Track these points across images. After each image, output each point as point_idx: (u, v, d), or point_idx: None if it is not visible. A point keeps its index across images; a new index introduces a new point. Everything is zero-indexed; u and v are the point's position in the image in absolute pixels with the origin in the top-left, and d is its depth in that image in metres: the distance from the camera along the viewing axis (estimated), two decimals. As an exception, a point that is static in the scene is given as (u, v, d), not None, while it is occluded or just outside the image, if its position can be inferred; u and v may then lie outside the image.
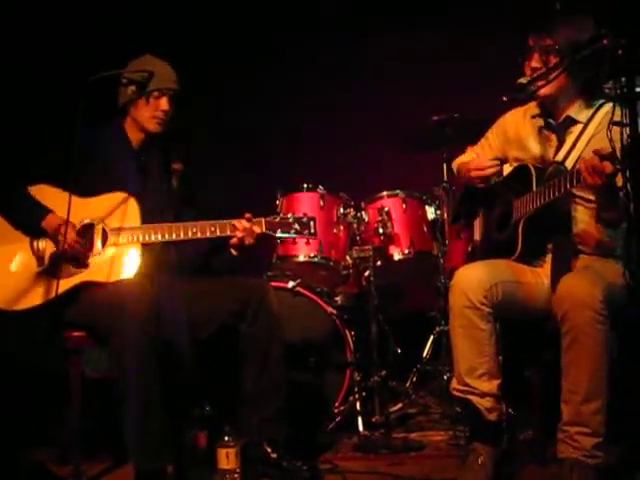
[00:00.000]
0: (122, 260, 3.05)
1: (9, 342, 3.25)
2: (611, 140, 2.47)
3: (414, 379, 4.13)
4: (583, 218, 2.93)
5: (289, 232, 3.17)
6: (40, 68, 4.26)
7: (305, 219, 3.18)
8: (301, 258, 3.94)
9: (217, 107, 5.04)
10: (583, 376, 2.66)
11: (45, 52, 4.32)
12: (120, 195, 3.12)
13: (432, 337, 4.24)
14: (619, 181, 2.56)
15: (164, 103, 3.20)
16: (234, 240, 3.12)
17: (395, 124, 4.50)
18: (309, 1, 5.01)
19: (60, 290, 2.94)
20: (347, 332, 3.73)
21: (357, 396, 3.65)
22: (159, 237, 3.08)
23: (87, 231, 3.08)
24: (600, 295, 2.63)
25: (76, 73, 3.03)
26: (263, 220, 3.15)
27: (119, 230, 3.07)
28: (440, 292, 4.13)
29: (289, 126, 5.08)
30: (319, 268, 4.02)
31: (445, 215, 4.05)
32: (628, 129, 2.26)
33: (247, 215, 3.13)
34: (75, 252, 3.02)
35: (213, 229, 3.10)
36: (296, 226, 3.16)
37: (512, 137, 3.20)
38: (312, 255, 3.92)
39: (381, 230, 3.96)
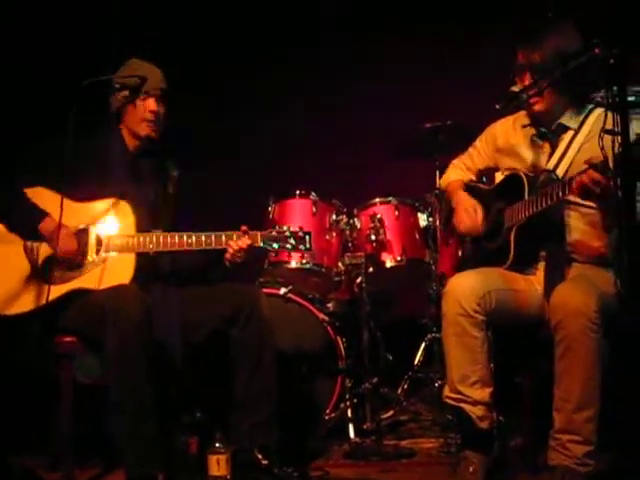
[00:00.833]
0: (115, 267, 3.04)
1: (0, 347, 3.24)
2: (602, 148, 2.49)
3: (405, 386, 4.12)
4: (577, 225, 2.94)
5: (285, 247, 3.17)
6: (37, 71, 4.25)
7: (301, 233, 3.18)
8: (293, 265, 3.93)
9: (207, 113, 5.03)
10: (576, 384, 2.67)
11: (42, 54, 4.31)
12: (115, 201, 3.11)
13: (424, 344, 4.23)
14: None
15: (151, 104, 3.19)
16: (227, 256, 3.12)
17: (388, 131, 4.51)
18: (304, 8, 5.00)
19: (52, 297, 2.94)
20: (339, 339, 3.72)
21: (348, 403, 3.65)
22: (154, 246, 3.07)
23: (81, 236, 3.08)
24: (594, 304, 2.64)
25: (74, 75, 3.04)
26: (259, 234, 3.15)
27: (113, 237, 3.07)
28: (432, 299, 4.13)
29: (282, 133, 5.07)
30: (311, 275, 4.02)
31: (437, 222, 4.05)
32: (620, 137, 2.27)
33: (243, 228, 3.13)
34: (71, 256, 3.01)
35: (208, 240, 3.10)
36: (292, 241, 3.16)
37: (503, 146, 3.21)
38: (304, 262, 3.91)
39: (373, 237, 3.97)
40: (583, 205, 2.89)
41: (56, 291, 2.98)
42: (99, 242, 3.07)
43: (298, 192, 4.01)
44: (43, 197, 3.09)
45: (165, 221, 3.23)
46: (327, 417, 3.65)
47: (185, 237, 3.09)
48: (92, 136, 3.17)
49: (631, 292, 2.20)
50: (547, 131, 3.05)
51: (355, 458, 3.40)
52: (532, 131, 3.10)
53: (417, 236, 4.12)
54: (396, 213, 4.07)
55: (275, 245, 3.16)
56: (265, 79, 5.11)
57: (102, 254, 3.06)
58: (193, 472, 3.04)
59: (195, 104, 4.70)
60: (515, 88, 2.96)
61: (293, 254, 3.86)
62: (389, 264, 4.02)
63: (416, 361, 4.21)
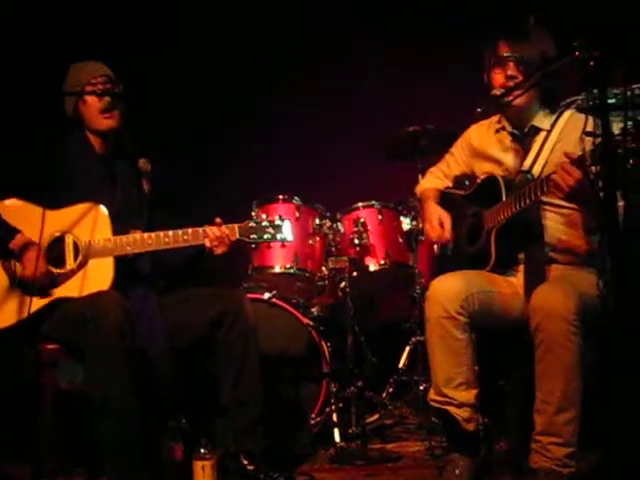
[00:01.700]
0: (95, 274, 3.01)
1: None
2: (583, 150, 2.50)
3: (390, 390, 4.13)
4: (557, 226, 2.96)
5: (263, 237, 3.16)
6: (9, 80, 4.21)
7: (278, 222, 3.16)
8: (277, 269, 3.93)
9: (193, 119, 5.02)
10: (556, 386, 2.68)
11: (14, 64, 4.28)
12: (88, 205, 3.07)
13: (408, 347, 4.24)
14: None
15: (100, 90, 3.15)
16: (206, 246, 3.10)
17: (370, 135, 4.51)
18: (293, 14, 5.00)
19: (33, 308, 2.91)
20: (323, 343, 3.72)
21: (333, 407, 3.64)
22: (131, 248, 3.04)
23: (57, 245, 3.03)
24: (573, 306, 2.65)
25: (42, 85, 3.02)
26: (236, 226, 3.14)
27: (90, 242, 3.03)
28: (416, 302, 4.14)
29: (265, 137, 5.08)
30: (295, 279, 4.02)
31: (420, 225, 4.06)
32: (599, 139, 2.28)
33: (217, 220, 3.11)
34: (42, 281, 2.97)
35: (186, 237, 3.08)
36: (270, 230, 3.15)
37: (478, 151, 3.22)
38: (288, 266, 3.92)
39: (357, 241, 3.98)
40: (563, 206, 2.91)
41: (37, 303, 2.95)
42: (76, 249, 3.03)
43: (281, 197, 4.01)
44: (18, 209, 3.05)
45: (143, 220, 3.20)
46: (312, 421, 3.65)
47: (162, 235, 3.07)
48: (61, 143, 3.15)
49: (612, 292, 2.20)
50: (520, 133, 3.07)
51: (341, 462, 3.40)
52: (505, 134, 3.12)
53: (400, 240, 4.13)
54: (379, 217, 4.08)
55: (253, 236, 3.14)
56: (248, 82, 5.10)
57: (80, 261, 3.02)
58: (178, 479, 3.03)
59: (176, 109, 4.70)
60: (496, 91, 2.98)
61: (274, 247, 3.86)
62: (373, 268, 4.03)
63: (401, 364, 4.22)
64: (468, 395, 2.86)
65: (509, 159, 3.10)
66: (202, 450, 2.88)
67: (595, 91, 2.32)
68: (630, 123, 2.32)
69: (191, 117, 4.93)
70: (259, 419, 3.08)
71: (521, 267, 3.00)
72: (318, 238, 4.03)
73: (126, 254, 3.06)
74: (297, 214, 3.97)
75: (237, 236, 3.12)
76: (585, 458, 2.75)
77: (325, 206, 4.11)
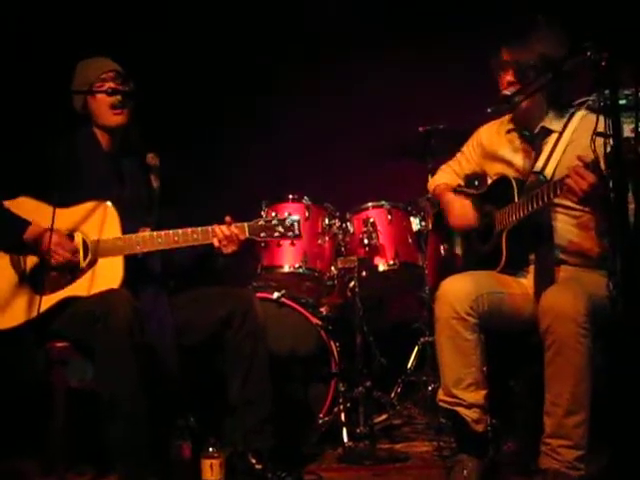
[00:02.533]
0: (104, 272, 3.01)
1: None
2: (595, 151, 2.50)
3: (399, 390, 4.13)
4: (567, 228, 2.95)
5: (273, 235, 3.16)
6: (13, 79, 4.23)
7: (288, 220, 3.16)
8: (286, 269, 3.93)
9: (201, 118, 5.04)
10: (565, 389, 2.67)
11: (18, 64, 4.29)
12: (98, 204, 3.07)
13: (417, 348, 4.24)
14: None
15: (109, 86, 3.15)
16: (215, 245, 3.10)
17: (380, 135, 4.51)
18: (293, 14, 5.01)
19: (43, 307, 2.90)
20: (332, 343, 3.72)
21: (342, 407, 3.64)
22: (141, 247, 3.04)
23: None
24: (583, 308, 2.64)
25: (51, 84, 3.03)
26: (246, 225, 3.13)
27: (100, 241, 3.03)
28: (425, 303, 4.13)
29: (275, 137, 5.08)
30: (304, 279, 4.02)
31: (430, 226, 4.06)
32: (611, 140, 2.28)
33: (227, 219, 3.10)
34: (67, 258, 2.98)
35: (195, 236, 3.08)
36: (280, 229, 3.14)
37: (489, 151, 3.22)
38: (297, 266, 3.92)
39: (366, 241, 3.97)
40: (573, 208, 2.91)
41: (47, 302, 2.94)
42: (85, 247, 3.03)
43: (291, 196, 4.01)
44: (28, 207, 3.05)
45: (153, 217, 3.21)
46: (320, 421, 3.65)
47: (172, 234, 3.06)
48: (68, 141, 3.15)
49: (622, 294, 2.20)
50: (530, 134, 3.07)
51: (349, 462, 3.40)
52: (516, 135, 3.12)
53: (410, 240, 4.12)
54: (389, 217, 4.08)
55: (263, 234, 3.13)
56: (258, 83, 5.11)
57: (89, 260, 3.02)
58: (186, 477, 3.03)
59: (179, 108, 4.71)
60: (507, 92, 2.97)
61: (284, 245, 3.87)
62: (382, 268, 4.02)
63: (409, 365, 4.22)
64: (477, 396, 2.85)
65: (519, 160, 3.10)
66: (210, 449, 2.89)
67: (606, 92, 2.31)
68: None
69: (196, 117, 4.95)
70: (267, 418, 3.08)
71: (531, 268, 3.00)
72: (327, 238, 4.02)
73: (135, 253, 3.06)
74: (306, 214, 3.97)
75: (247, 235, 3.12)
76: (594, 461, 2.74)
77: (335, 206, 4.10)
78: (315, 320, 3.76)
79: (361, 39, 5.00)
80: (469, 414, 2.86)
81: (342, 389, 3.67)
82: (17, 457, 3.24)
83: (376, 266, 4.02)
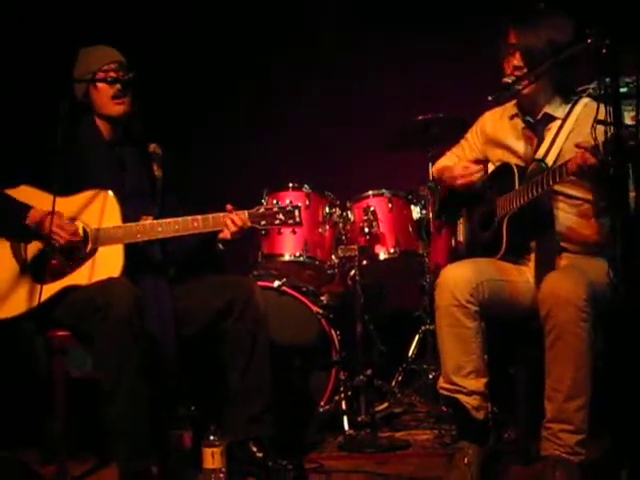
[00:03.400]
0: (105, 261, 3.01)
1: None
2: (595, 139, 2.49)
3: (400, 378, 4.13)
4: (567, 215, 2.94)
5: (274, 222, 3.15)
6: (16, 69, 4.22)
7: (290, 207, 3.15)
8: (287, 257, 3.93)
9: (203, 107, 5.03)
10: (566, 374, 2.67)
11: (20, 53, 4.28)
12: (99, 192, 3.07)
13: (417, 336, 4.24)
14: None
15: (110, 76, 3.15)
16: (221, 234, 3.10)
17: (381, 123, 4.50)
18: (293, 4, 4.99)
19: (43, 296, 2.90)
20: (332, 331, 3.73)
21: (343, 395, 3.65)
22: (142, 236, 3.04)
23: None
24: (583, 293, 2.64)
25: (52, 73, 3.02)
26: (246, 212, 3.13)
27: (101, 229, 3.03)
28: (425, 291, 4.14)
29: (275, 125, 5.07)
30: (305, 267, 4.02)
31: (430, 214, 4.06)
32: (612, 128, 2.27)
33: (228, 207, 3.10)
34: (69, 239, 2.98)
35: (196, 224, 3.08)
36: (280, 216, 3.14)
37: (492, 137, 3.21)
38: (298, 254, 3.91)
39: (367, 229, 3.97)
40: (574, 197, 2.91)
41: (47, 290, 2.94)
42: (86, 236, 3.03)
43: (291, 185, 4.00)
44: (28, 195, 3.05)
45: (156, 206, 3.21)
46: (321, 409, 3.66)
47: (172, 223, 3.07)
48: (69, 130, 3.14)
49: (624, 280, 2.20)
50: (533, 121, 3.06)
51: (350, 450, 3.41)
52: (519, 122, 3.11)
53: (410, 228, 4.12)
54: (389, 205, 4.07)
55: (263, 222, 3.14)
56: (259, 72, 5.10)
57: (90, 248, 3.02)
58: (188, 465, 3.04)
59: (187, 98, 4.71)
60: (508, 79, 2.96)
61: (284, 233, 3.87)
62: (383, 256, 4.02)
63: (410, 353, 4.23)
64: (477, 383, 2.85)
65: (521, 147, 3.09)
66: (211, 437, 2.89)
67: (607, 79, 2.30)
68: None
69: (197, 105, 4.95)
70: (268, 407, 3.09)
71: (532, 256, 2.99)
72: (328, 226, 4.02)
73: (136, 241, 3.06)
74: (307, 202, 3.96)
75: (247, 223, 3.12)
76: (594, 447, 2.74)
77: (335, 194, 4.09)
78: (316, 309, 3.76)
79: (361, 29, 4.98)
80: (469, 401, 2.85)
81: (343, 377, 3.67)
82: (17, 446, 3.24)
83: (377, 254, 4.02)
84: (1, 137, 3.68)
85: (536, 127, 3.05)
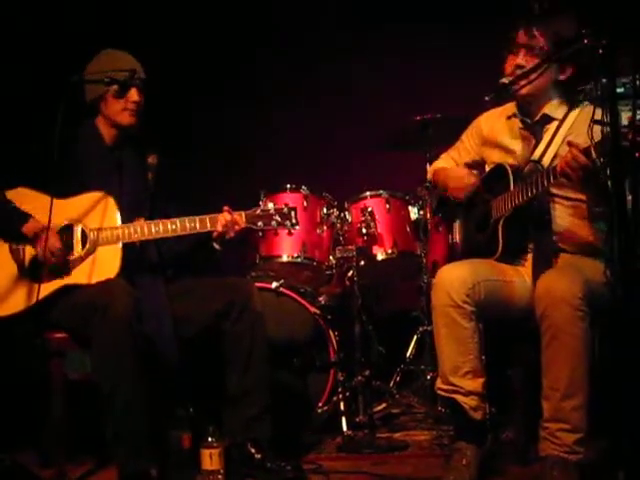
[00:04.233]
0: (103, 261, 3.03)
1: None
2: (592, 139, 2.49)
3: (398, 379, 4.13)
4: (562, 216, 2.94)
5: (270, 224, 3.17)
6: (14, 70, 4.21)
7: (286, 210, 3.18)
8: (284, 258, 3.93)
9: (200, 107, 5.03)
10: (563, 373, 2.67)
11: (19, 53, 4.28)
12: (97, 194, 3.09)
13: (415, 337, 4.24)
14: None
15: (134, 94, 3.17)
16: (216, 234, 3.11)
17: (378, 124, 4.49)
18: (293, 4, 4.99)
19: (41, 295, 2.93)
20: (331, 332, 3.73)
21: (341, 396, 3.65)
22: (139, 235, 3.07)
23: (66, 233, 3.05)
24: (579, 292, 2.64)
25: (51, 74, 3.02)
26: (243, 213, 3.15)
27: (98, 230, 3.05)
28: (423, 292, 4.13)
29: (273, 127, 5.07)
30: (302, 268, 4.02)
31: (428, 215, 4.06)
32: (608, 128, 2.27)
33: (225, 208, 3.12)
34: (56, 261, 2.99)
35: (193, 224, 3.09)
36: (277, 217, 3.16)
37: (488, 138, 3.21)
38: (295, 255, 3.92)
39: (364, 230, 3.97)
40: (570, 198, 2.91)
41: (45, 289, 2.97)
42: (84, 237, 3.05)
43: (289, 186, 4.00)
44: (26, 197, 3.06)
45: (146, 210, 3.22)
46: (320, 410, 3.66)
47: (169, 224, 3.08)
48: (68, 130, 3.15)
49: (620, 280, 2.20)
50: (531, 122, 3.06)
51: (348, 451, 3.41)
52: (517, 122, 3.11)
53: (408, 229, 4.12)
54: (387, 206, 4.07)
55: (260, 223, 3.16)
56: (256, 74, 5.10)
57: (88, 249, 3.03)
58: (186, 467, 3.04)
59: (189, 96, 4.71)
60: (505, 80, 2.96)
61: (281, 234, 3.88)
62: (380, 257, 4.02)
63: (408, 354, 4.23)
64: (475, 384, 2.85)
65: (518, 147, 3.09)
66: (210, 438, 2.89)
67: (604, 80, 2.30)
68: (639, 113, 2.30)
69: (195, 107, 4.96)
70: (266, 408, 3.09)
71: (529, 256, 2.99)
72: (326, 227, 4.02)
73: (133, 242, 3.07)
74: (305, 203, 3.96)
75: (244, 223, 3.13)
76: (592, 446, 2.74)
77: (333, 195, 4.10)
78: (313, 309, 3.76)
79: (361, 29, 4.98)
80: (467, 401, 2.86)
81: (341, 378, 3.68)
82: (15, 449, 3.24)
83: (374, 255, 4.02)
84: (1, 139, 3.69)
85: (534, 128, 3.06)
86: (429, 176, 3.51)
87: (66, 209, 3.05)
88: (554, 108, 3.02)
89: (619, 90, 3.02)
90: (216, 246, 3.17)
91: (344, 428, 3.57)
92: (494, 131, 3.19)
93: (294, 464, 3.07)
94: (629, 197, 2.28)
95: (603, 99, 2.31)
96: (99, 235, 3.05)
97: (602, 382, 2.65)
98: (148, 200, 3.27)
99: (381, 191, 4.10)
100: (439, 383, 2.93)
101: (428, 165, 4.09)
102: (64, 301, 2.99)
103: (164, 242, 3.16)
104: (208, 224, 3.10)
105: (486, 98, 2.93)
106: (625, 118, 2.39)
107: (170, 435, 3.21)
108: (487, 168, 3.21)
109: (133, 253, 3.10)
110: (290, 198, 3.96)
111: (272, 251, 3.96)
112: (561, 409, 2.69)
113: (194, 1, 4.90)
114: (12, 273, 3.02)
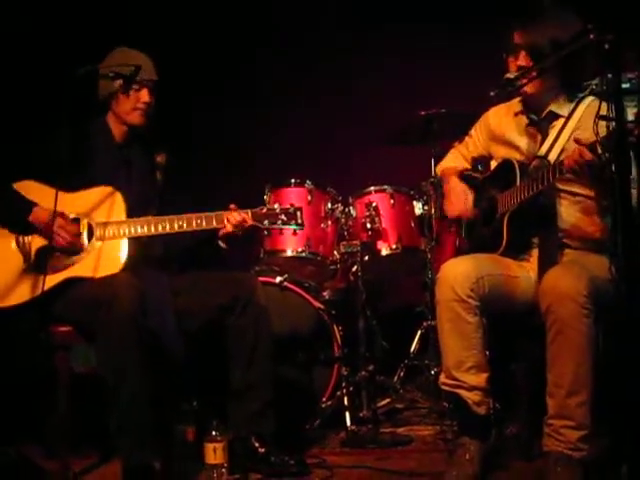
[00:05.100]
0: (108, 255, 3.05)
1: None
2: (597, 134, 2.49)
3: (402, 374, 4.13)
4: (569, 212, 2.94)
5: (276, 223, 3.18)
6: (23, 63, 4.22)
7: (292, 209, 3.19)
8: (289, 253, 3.93)
9: (200, 107, 5.03)
10: (567, 369, 2.67)
11: (27, 47, 4.28)
12: (106, 189, 3.11)
13: (419, 332, 4.24)
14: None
15: (145, 95, 3.19)
16: (222, 231, 3.12)
17: (383, 119, 4.49)
18: (293, 4, 4.99)
19: (47, 286, 2.93)
20: (334, 327, 3.73)
21: (345, 391, 3.65)
22: (145, 230, 3.08)
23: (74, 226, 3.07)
24: (584, 288, 2.64)
25: (60, 67, 3.02)
26: (250, 212, 3.16)
27: (105, 224, 3.07)
28: (427, 287, 4.13)
29: (273, 126, 5.07)
30: (307, 263, 4.02)
31: (432, 210, 4.05)
32: (614, 124, 2.27)
33: (232, 206, 3.14)
34: (68, 245, 3.01)
35: (199, 221, 3.11)
36: (283, 217, 3.17)
37: (496, 134, 3.21)
38: (300, 250, 3.91)
39: (369, 225, 3.97)
40: (575, 193, 2.91)
41: (51, 280, 2.97)
42: (91, 231, 3.07)
43: (293, 180, 4.00)
44: (33, 190, 3.08)
45: (154, 207, 3.23)
46: (323, 405, 3.65)
47: (176, 220, 3.09)
48: (77, 125, 3.16)
49: (626, 276, 2.20)
50: (538, 118, 3.06)
51: (352, 446, 3.41)
52: (524, 119, 3.11)
53: (412, 224, 4.11)
54: (391, 201, 4.07)
55: (266, 222, 3.17)
56: (261, 69, 5.10)
57: (94, 242, 3.06)
58: (190, 460, 3.05)
59: (190, 95, 4.71)
60: (510, 75, 2.96)
61: (286, 233, 3.88)
62: (385, 252, 4.02)
63: (412, 349, 4.23)
64: (478, 378, 2.85)
65: (525, 143, 3.08)
66: (214, 432, 2.90)
67: (609, 75, 2.30)
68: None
69: (197, 103, 4.96)
70: (270, 402, 3.09)
71: (534, 252, 2.99)
72: (330, 222, 4.02)
73: (139, 235, 3.08)
74: (309, 198, 3.96)
75: (250, 221, 3.14)
76: (597, 444, 2.74)
77: (337, 190, 4.09)
78: (318, 304, 3.77)
79: (361, 29, 4.97)
80: (471, 396, 2.86)
81: (345, 373, 3.67)
82: (20, 442, 3.25)
83: (379, 250, 4.02)
84: (8, 131, 3.69)
85: (540, 124, 3.05)
86: (438, 172, 3.51)
87: (74, 203, 3.08)
88: (560, 105, 3.01)
89: (625, 85, 3.01)
90: (222, 244, 3.18)
91: (348, 423, 3.56)
92: (501, 127, 3.19)
93: (298, 458, 3.08)
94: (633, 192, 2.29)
95: (609, 94, 2.31)
96: (105, 229, 3.06)
97: (606, 379, 2.64)
98: (156, 198, 3.28)
99: (385, 186, 4.10)
100: (443, 378, 2.94)
101: (433, 160, 4.09)
102: (69, 295, 3.00)
103: (170, 237, 3.17)
104: (214, 221, 3.11)
105: (491, 93, 2.93)
106: (631, 114, 2.38)
107: (175, 428, 3.22)
108: (493, 163, 3.20)
109: (139, 245, 3.11)
110: (294, 192, 3.96)
111: (276, 246, 3.96)
112: (566, 406, 2.69)
113: (194, 1, 4.89)
114: (18, 265, 3.04)
